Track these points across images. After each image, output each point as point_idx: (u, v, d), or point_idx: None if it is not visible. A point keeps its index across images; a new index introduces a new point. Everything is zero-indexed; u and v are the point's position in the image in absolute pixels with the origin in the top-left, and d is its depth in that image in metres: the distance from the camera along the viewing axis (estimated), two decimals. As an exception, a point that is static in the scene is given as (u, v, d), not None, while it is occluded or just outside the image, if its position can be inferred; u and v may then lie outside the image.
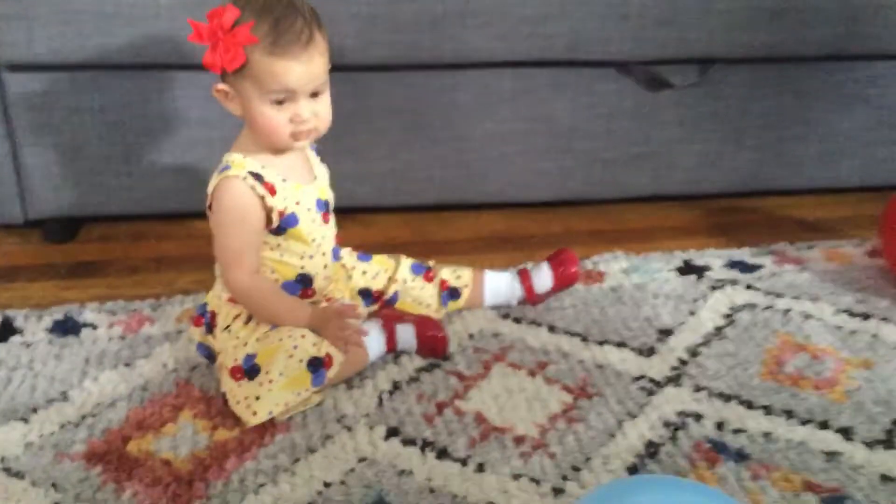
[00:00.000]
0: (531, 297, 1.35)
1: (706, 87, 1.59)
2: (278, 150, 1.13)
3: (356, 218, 1.63)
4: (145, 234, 1.59)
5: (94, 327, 1.28)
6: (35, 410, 1.11)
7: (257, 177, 1.12)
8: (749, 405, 1.15)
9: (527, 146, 1.60)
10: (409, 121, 1.55)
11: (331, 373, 1.12)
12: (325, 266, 1.21)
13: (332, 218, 1.22)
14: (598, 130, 1.61)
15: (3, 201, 1.48)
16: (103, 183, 1.50)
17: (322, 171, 1.23)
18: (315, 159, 1.23)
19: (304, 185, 1.17)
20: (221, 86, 1.10)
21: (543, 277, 1.35)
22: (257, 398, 1.08)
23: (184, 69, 1.42)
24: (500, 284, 1.35)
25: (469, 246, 1.60)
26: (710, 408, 1.14)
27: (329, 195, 1.22)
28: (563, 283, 1.36)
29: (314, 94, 1.09)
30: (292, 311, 1.15)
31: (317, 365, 1.10)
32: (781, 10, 1.51)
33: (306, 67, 1.06)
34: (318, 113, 1.11)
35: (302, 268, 1.19)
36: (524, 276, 1.36)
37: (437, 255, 1.55)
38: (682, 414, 1.13)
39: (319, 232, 1.18)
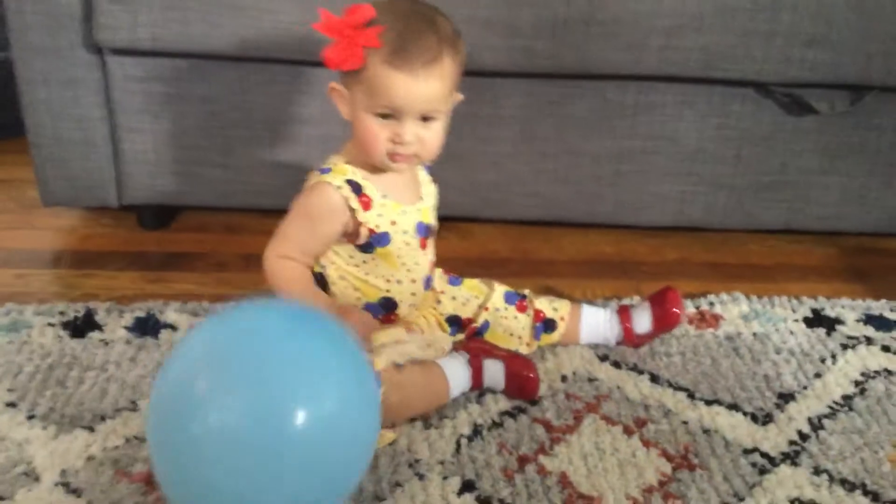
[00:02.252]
0: (630, 339, 1.23)
1: (857, 115, 1.42)
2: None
3: (454, 227, 1.54)
4: (237, 229, 1.55)
5: (175, 329, 1.24)
6: (103, 419, 1.07)
7: (355, 187, 1.04)
8: (875, 497, 1.00)
9: (645, 166, 1.47)
10: (519, 131, 1.44)
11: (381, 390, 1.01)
12: (414, 294, 1.12)
13: (430, 245, 1.14)
14: (727, 154, 1.46)
15: (100, 184, 1.46)
16: (200, 173, 1.46)
17: (430, 192, 1.15)
18: (425, 178, 1.15)
19: (406, 206, 1.09)
20: (336, 85, 1.05)
21: (643, 318, 1.23)
22: None
23: (289, 63, 1.36)
24: (598, 321, 1.24)
25: (572, 268, 1.49)
26: (831, 497, 1.00)
27: (433, 220, 1.14)
28: (662, 326, 1.23)
29: (425, 118, 1.01)
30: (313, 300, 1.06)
31: None
32: (955, 34, 1.32)
33: (420, 87, 0.99)
34: (424, 139, 1.03)
35: (387, 291, 1.11)
36: (624, 315, 1.24)
37: (537, 275, 1.45)
38: (797, 502, 0.99)
39: (412, 258, 1.10)
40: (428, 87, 0.99)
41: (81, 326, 1.23)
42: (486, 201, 1.50)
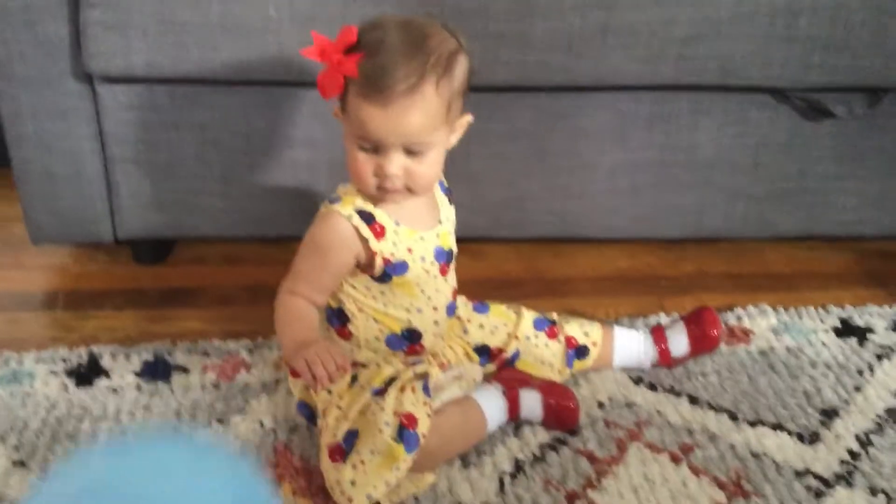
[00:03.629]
0: (666, 361, 1.19)
1: (874, 118, 1.39)
2: None
3: (466, 248, 1.48)
4: (240, 259, 1.48)
5: (186, 371, 1.17)
6: (120, 474, 1.00)
7: (366, 216, 0.99)
8: (937, 517, 0.97)
9: (661, 178, 1.43)
10: (531, 146, 1.39)
11: (421, 429, 0.96)
12: (437, 322, 1.07)
13: (451, 270, 1.08)
14: (745, 163, 1.42)
15: (94, 219, 1.38)
16: (198, 203, 1.39)
17: (448, 215, 1.09)
18: (443, 200, 1.09)
19: (422, 231, 1.03)
20: (337, 110, 1.00)
21: (680, 339, 1.19)
22: (352, 482, 0.95)
23: (290, 86, 1.29)
24: (631, 344, 1.20)
25: (590, 286, 1.44)
26: (893, 519, 0.97)
27: (452, 244, 1.08)
28: (701, 348, 1.20)
29: (411, 151, 0.95)
30: (293, 337, 0.97)
31: (401, 431, 0.96)
32: (972, 33, 1.29)
33: (394, 121, 0.92)
34: (413, 172, 0.96)
35: (409, 322, 1.05)
36: (658, 337, 1.19)
37: (554, 294, 1.40)
38: (859, 526, 0.96)
39: (433, 285, 1.04)
40: (404, 120, 0.92)
41: (87, 373, 1.16)
42: (498, 220, 1.45)
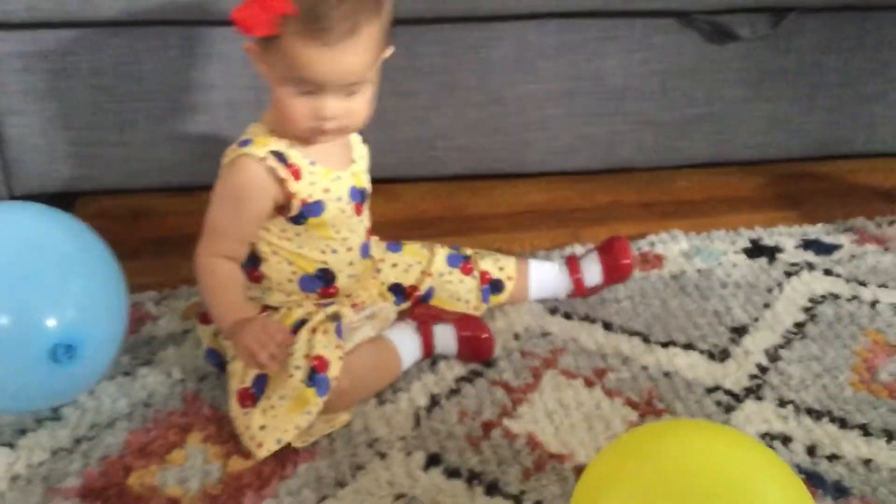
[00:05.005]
0: (580, 291, 1.19)
1: (777, 39, 1.40)
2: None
3: (381, 190, 1.44)
4: (145, 212, 1.42)
5: (90, 327, 1.13)
6: (23, 433, 0.97)
7: (281, 157, 0.96)
8: (843, 423, 1.00)
9: (571, 109, 1.42)
10: (438, 82, 1.36)
11: (332, 372, 0.95)
12: (352, 263, 1.04)
13: (365, 210, 1.06)
14: (653, 90, 1.42)
15: (-14, 176, 1.32)
16: (97, 154, 1.33)
17: (362, 154, 1.07)
18: (356, 139, 1.06)
19: (337, 171, 1.00)
20: (253, 46, 0.94)
21: (593, 269, 1.19)
22: (262, 427, 0.93)
23: (184, 25, 1.24)
24: (546, 276, 1.19)
25: (507, 221, 1.43)
26: (800, 428, 0.99)
27: (366, 183, 1.06)
28: (614, 277, 1.19)
29: (350, 92, 0.92)
30: (225, 311, 0.96)
31: (312, 374, 0.94)
32: (870, -50, 1.31)
33: (338, 61, 0.89)
34: (351, 111, 0.94)
35: (324, 262, 1.02)
36: (573, 267, 1.19)
37: (472, 231, 1.39)
38: (767, 436, 0.98)
39: (347, 225, 1.02)
40: (348, 60, 0.89)
41: (-17, 335, 1.11)
42: (410, 159, 1.43)
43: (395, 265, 1.13)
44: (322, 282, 1.04)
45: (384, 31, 0.93)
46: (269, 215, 0.98)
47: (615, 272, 1.19)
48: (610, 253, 1.19)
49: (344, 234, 1.02)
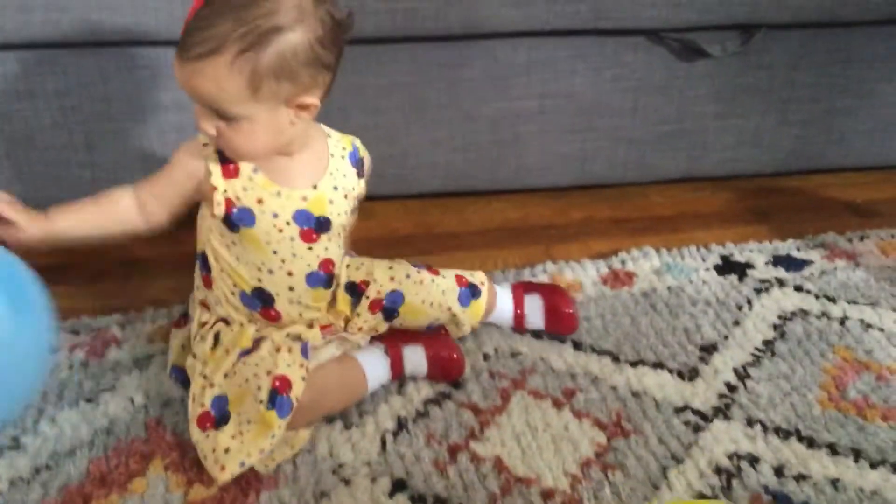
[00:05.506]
0: (519, 327, 1.17)
1: (748, 56, 1.40)
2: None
3: (352, 208, 1.45)
4: (113, 232, 1.41)
5: (54, 350, 1.11)
6: (-20, 463, 0.95)
7: (222, 153, 0.95)
8: (811, 443, 0.99)
9: (543, 126, 1.42)
10: (409, 100, 1.36)
11: (294, 392, 0.93)
12: (292, 289, 1.00)
13: (325, 240, 1.00)
14: (624, 107, 1.42)
15: (-50, 198, 1.30)
16: (62, 176, 1.32)
17: (340, 184, 1.01)
18: (343, 168, 1.02)
19: (283, 187, 0.97)
20: None
21: (535, 313, 1.16)
22: (226, 451, 0.92)
23: (149, 45, 1.23)
24: (502, 298, 1.16)
25: (479, 239, 1.43)
26: (767, 448, 0.99)
27: (331, 213, 1.00)
28: (555, 328, 1.16)
29: (223, 116, 0.90)
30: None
31: (273, 397, 0.92)
32: (837, -33, 1.31)
33: (183, 78, 0.88)
34: (225, 138, 0.92)
35: (259, 280, 0.99)
36: (518, 300, 1.16)
37: (445, 249, 1.39)
38: (735, 457, 0.97)
39: (288, 248, 0.98)
40: (192, 82, 0.88)
41: (-57, 361, 1.09)
42: (381, 177, 1.39)
43: (347, 265, 1.09)
44: (260, 302, 1.01)
45: (263, 73, 0.87)
46: (190, 196, 0.98)
47: (556, 324, 1.16)
48: (553, 301, 1.15)
49: (283, 256, 0.98)
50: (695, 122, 1.45)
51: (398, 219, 1.47)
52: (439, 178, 1.44)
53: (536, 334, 1.16)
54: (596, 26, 1.30)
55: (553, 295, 1.16)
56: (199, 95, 0.89)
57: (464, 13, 1.25)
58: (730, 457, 0.97)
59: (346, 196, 1.02)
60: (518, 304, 1.16)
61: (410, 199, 1.49)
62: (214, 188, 0.95)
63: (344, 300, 1.08)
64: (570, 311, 1.15)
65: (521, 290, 1.17)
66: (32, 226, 0.95)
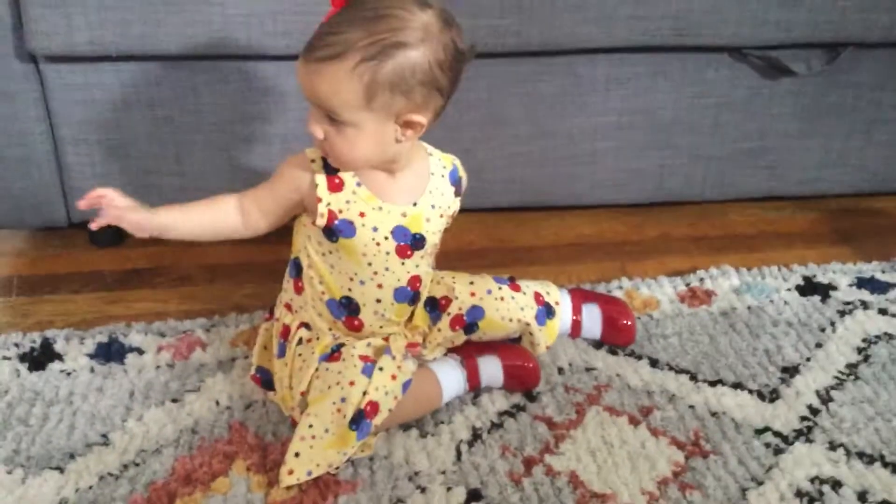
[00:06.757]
0: (575, 335, 1.18)
1: (833, 75, 1.38)
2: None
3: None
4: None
5: (141, 352, 1.16)
6: (73, 457, 0.99)
7: (331, 168, 0.98)
8: (895, 469, 0.97)
9: (621, 142, 1.41)
10: (487, 115, 1.37)
11: (377, 420, 0.96)
12: (379, 301, 1.03)
13: (417, 258, 1.02)
14: (705, 124, 1.41)
15: (46, 203, 1.36)
16: (153, 183, 1.37)
17: (438, 203, 1.03)
18: (442, 187, 1.04)
19: (385, 202, 0.99)
20: None
21: (593, 322, 1.17)
22: (296, 455, 0.94)
23: (237, 59, 1.27)
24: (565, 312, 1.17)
25: (553, 253, 1.43)
26: (850, 472, 0.96)
27: (428, 230, 1.02)
28: (612, 339, 1.17)
29: (334, 119, 0.92)
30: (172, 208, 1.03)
31: (359, 419, 0.95)
32: (928, -16, 1.28)
33: (303, 77, 0.92)
34: (331, 141, 0.94)
35: (349, 290, 1.02)
36: (576, 307, 1.17)
37: (518, 263, 1.39)
38: (817, 480, 0.95)
39: (382, 261, 1.00)
40: (311, 81, 0.91)
41: (40, 358, 1.14)
42: (458, 191, 1.43)
43: (431, 281, 1.10)
44: (346, 311, 1.03)
45: (380, 84, 0.89)
46: (292, 207, 1.01)
47: (613, 335, 1.17)
48: (610, 313, 1.16)
49: (376, 269, 1.01)
50: (777, 140, 1.43)
51: (473, 232, 1.48)
52: (515, 193, 1.45)
53: (612, 350, 1.16)
54: (678, 43, 1.30)
55: (611, 305, 1.17)
56: (315, 96, 0.91)
57: (546, 30, 1.26)
58: (811, 480, 0.95)
59: (441, 215, 1.04)
60: (576, 311, 1.17)
61: (486, 212, 1.50)
62: (319, 199, 0.97)
63: (422, 316, 1.09)
64: (629, 322, 1.15)
65: (580, 298, 1.18)
66: (137, 213, 0.99)
